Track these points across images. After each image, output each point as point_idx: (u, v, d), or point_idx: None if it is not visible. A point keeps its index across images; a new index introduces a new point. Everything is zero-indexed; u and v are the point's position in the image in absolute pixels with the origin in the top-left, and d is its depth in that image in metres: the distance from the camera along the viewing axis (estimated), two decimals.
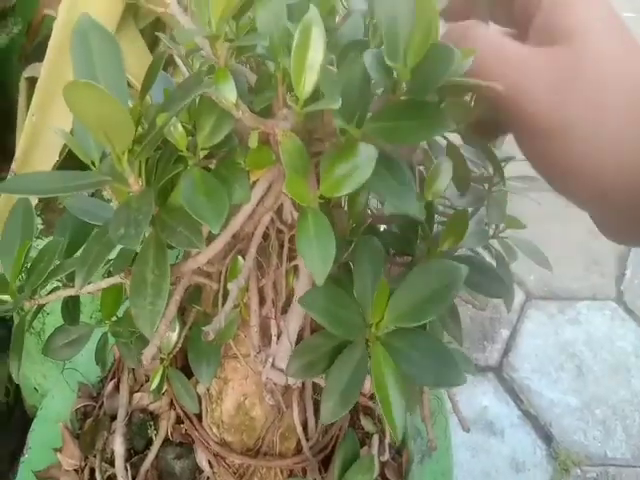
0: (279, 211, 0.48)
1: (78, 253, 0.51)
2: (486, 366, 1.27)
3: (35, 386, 0.93)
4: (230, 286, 0.43)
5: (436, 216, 0.57)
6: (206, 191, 0.36)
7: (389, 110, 0.36)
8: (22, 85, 0.84)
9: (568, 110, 0.29)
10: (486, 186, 0.63)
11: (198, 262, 0.43)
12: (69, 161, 0.72)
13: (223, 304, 0.47)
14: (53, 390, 0.72)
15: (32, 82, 0.76)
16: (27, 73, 0.83)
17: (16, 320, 0.57)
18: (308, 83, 0.32)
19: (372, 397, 0.76)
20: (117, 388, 0.70)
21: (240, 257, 0.48)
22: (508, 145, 0.52)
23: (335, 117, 0.32)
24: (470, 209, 0.59)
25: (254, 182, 0.43)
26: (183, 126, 0.38)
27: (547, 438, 1.15)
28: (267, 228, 0.50)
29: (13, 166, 0.75)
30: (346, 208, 0.54)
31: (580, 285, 1.50)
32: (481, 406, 1.19)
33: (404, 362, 0.41)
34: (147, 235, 0.40)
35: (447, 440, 0.70)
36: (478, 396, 1.21)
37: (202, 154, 0.38)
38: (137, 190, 0.38)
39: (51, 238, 0.53)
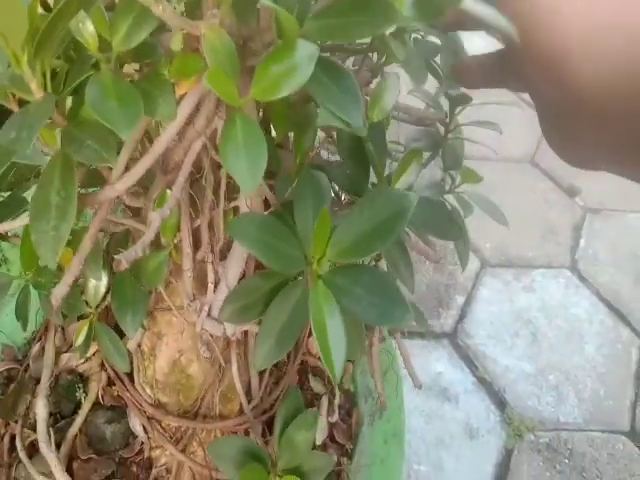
0: (213, 138, 0.43)
1: None
2: (441, 332, 1.25)
3: None
4: (153, 215, 0.38)
5: (389, 162, 0.54)
6: (118, 96, 0.31)
7: (332, 7, 0.31)
8: None
9: None
10: (442, 131, 0.60)
11: (116, 190, 0.38)
12: None
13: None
14: None
15: None
16: None
17: None
18: None
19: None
20: (44, 350, 0.65)
21: (169, 191, 0.43)
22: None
23: (269, 1, 0.27)
24: (425, 157, 0.56)
25: (181, 97, 0.38)
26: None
27: (501, 404, 1.14)
28: (200, 160, 0.45)
29: None
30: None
31: (535, 253, 1.49)
32: (435, 372, 1.16)
33: (345, 298, 0.37)
34: (53, 153, 0.35)
35: (399, 399, 0.67)
36: (432, 362, 1.18)
37: (117, 59, 0.33)
38: (40, 98, 0.33)
39: None
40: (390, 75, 0.40)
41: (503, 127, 0.58)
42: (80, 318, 0.69)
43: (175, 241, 0.46)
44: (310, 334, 0.74)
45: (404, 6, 0.32)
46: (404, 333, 1.12)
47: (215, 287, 0.48)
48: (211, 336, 0.49)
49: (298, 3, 0.32)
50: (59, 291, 0.37)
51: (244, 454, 0.45)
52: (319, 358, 0.72)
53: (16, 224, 0.45)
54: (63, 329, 0.66)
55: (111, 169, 0.41)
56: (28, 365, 0.64)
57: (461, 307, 1.32)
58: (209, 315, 0.48)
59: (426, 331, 1.21)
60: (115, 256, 0.36)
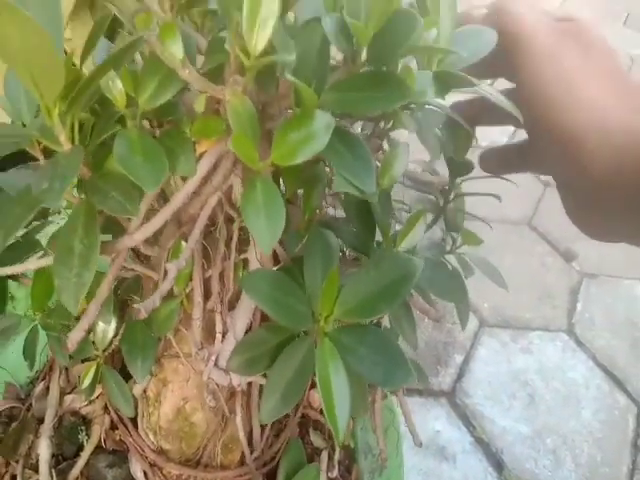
0: (228, 194, 0.45)
1: None
2: (439, 391, 1.25)
3: None
4: (169, 266, 0.40)
5: (393, 222, 0.56)
6: (143, 152, 0.34)
7: (348, 81, 0.34)
8: None
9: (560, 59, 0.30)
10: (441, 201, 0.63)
11: (135, 240, 0.40)
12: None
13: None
14: None
15: None
16: None
17: None
18: (261, 38, 0.29)
19: (322, 411, 0.73)
20: (48, 390, 0.65)
21: (183, 242, 0.45)
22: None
23: (289, 75, 0.30)
24: (428, 221, 0.58)
25: (201, 155, 0.40)
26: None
27: (498, 465, 1.13)
28: (215, 214, 0.47)
29: None
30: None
31: (533, 315, 1.50)
32: (434, 431, 1.16)
33: (350, 357, 0.38)
34: (76, 203, 0.37)
35: (399, 457, 0.67)
36: (430, 421, 1.18)
37: (143, 117, 0.35)
38: (68, 150, 0.35)
39: None
40: (400, 144, 0.43)
41: (501, 189, 0.60)
42: (84, 360, 0.70)
43: (186, 290, 0.48)
44: (312, 387, 0.75)
45: (414, 83, 0.35)
46: (404, 390, 1.13)
47: (223, 337, 0.50)
48: (217, 385, 0.50)
49: (315, 76, 0.35)
50: (75, 336, 0.39)
51: None
52: (320, 412, 0.72)
53: (30, 266, 0.46)
54: (67, 370, 0.67)
55: (129, 220, 0.43)
56: (31, 404, 0.65)
57: (460, 366, 1.32)
58: (216, 365, 0.49)
59: (425, 389, 1.22)
60: (134, 305, 0.37)
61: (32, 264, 0.46)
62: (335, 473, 0.65)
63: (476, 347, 1.38)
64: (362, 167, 0.35)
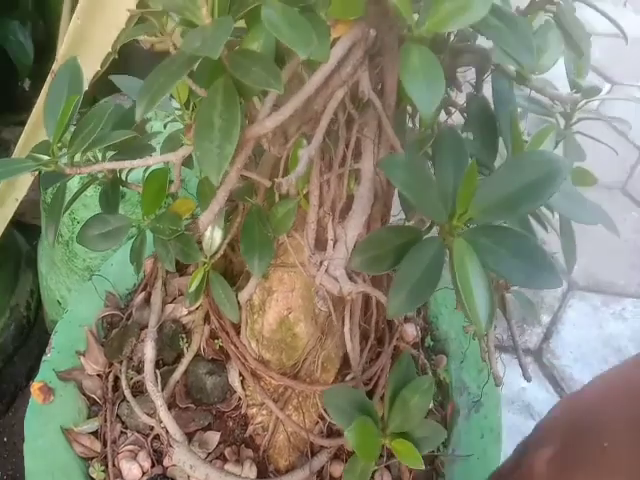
0: (354, 90, 0.43)
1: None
2: (526, 349, 1.21)
3: (58, 299, 0.90)
4: (302, 152, 0.38)
5: None
6: (290, 22, 0.32)
7: None
8: None
9: None
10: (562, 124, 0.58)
11: (265, 127, 0.38)
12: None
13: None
14: (80, 295, 0.68)
15: None
16: None
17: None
18: None
19: (415, 345, 0.71)
20: (147, 301, 0.66)
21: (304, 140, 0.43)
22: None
23: None
24: None
25: (335, 41, 0.38)
26: None
27: None
28: (336, 115, 0.45)
29: (54, 67, 0.71)
30: None
31: (626, 281, 1.42)
32: (519, 387, 1.13)
33: (489, 257, 0.36)
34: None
35: (496, 397, 0.65)
36: (517, 377, 1.14)
37: None
38: (209, 24, 0.33)
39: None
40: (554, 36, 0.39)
41: (595, 153, 0.56)
42: (182, 274, 0.71)
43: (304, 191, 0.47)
44: (407, 320, 0.73)
45: None
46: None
47: (334, 245, 0.48)
48: (327, 293, 0.49)
49: None
50: (206, 218, 0.38)
51: (356, 408, 0.44)
52: (413, 345, 0.70)
53: (150, 161, 0.46)
54: (165, 284, 0.67)
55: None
56: (130, 313, 0.66)
57: (547, 326, 1.27)
58: (327, 272, 0.47)
59: (511, 345, 1.18)
60: (276, 180, 0.36)
61: (152, 160, 0.46)
62: (430, 405, 0.64)
63: (564, 309, 1.32)
64: (521, 43, 0.32)
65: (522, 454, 0.35)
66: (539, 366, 1.18)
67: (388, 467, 0.58)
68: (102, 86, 0.71)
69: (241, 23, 0.37)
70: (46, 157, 0.44)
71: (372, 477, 0.54)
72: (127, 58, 0.82)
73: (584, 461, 0.29)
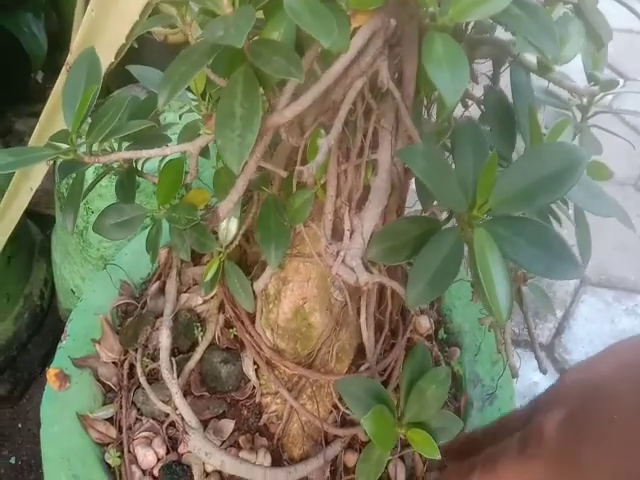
0: (374, 81, 0.43)
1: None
2: (538, 344, 1.20)
3: (72, 288, 0.90)
4: (321, 141, 0.38)
5: None
6: (311, 11, 0.32)
7: None
8: None
9: None
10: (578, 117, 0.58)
11: (284, 117, 0.38)
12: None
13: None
14: (95, 284, 0.68)
15: None
16: None
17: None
18: None
19: (428, 337, 0.71)
20: (161, 290, 0.67)
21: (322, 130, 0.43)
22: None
23: None
24: None
25: (354, 30, 0.38)
26: None
27: None
28: (355, 105, 0.45)
29: (68, 59, 0.71)
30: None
31: (638, 278, 1.42)
32: (531, 382, 1.13)
33: (509, 247, 0.36)
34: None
35: (510, 389, 0.65)
36: (529, 372, 1.14)
37: None
38: (230, 13, 0.34)
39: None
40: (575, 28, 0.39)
41: (609, 148, 0.55)
42: (197, 264, 0.71)
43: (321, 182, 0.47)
44: (420, 312, 0.73)
45: None
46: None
47: (350, 235, 0.48)
48: (343, 283, 0.49)
49: None
50: (225, 207, 0.38)
51: (372, 397, 0.44)
52: (426, 337, 0.71)
53: (167, 151, 0.46)
54: (179, 273, 0.67)
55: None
56: (145, 302, 0.66)
57: (559, 321, 1.27)
58: (343, 262, 0.47)
59: (523, 340, 1.18)
60: (297, 168, 0.36)
61: (169, 149, 0.46)
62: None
63: (577, 304, 1.32)
64: (544, 31, 0.32)
65: (533, 410, 0.35)
66: (551, 361, 1.18)
67: (402, 458, 0.58)
68: (115, 77, 0.71)
69: (258, 14, 0.38)
70: (65, 145, 0.44)
71: (386, 467, 0.54)
72: (140, 50, 0.82)
73: (593, 431, 0.29)
